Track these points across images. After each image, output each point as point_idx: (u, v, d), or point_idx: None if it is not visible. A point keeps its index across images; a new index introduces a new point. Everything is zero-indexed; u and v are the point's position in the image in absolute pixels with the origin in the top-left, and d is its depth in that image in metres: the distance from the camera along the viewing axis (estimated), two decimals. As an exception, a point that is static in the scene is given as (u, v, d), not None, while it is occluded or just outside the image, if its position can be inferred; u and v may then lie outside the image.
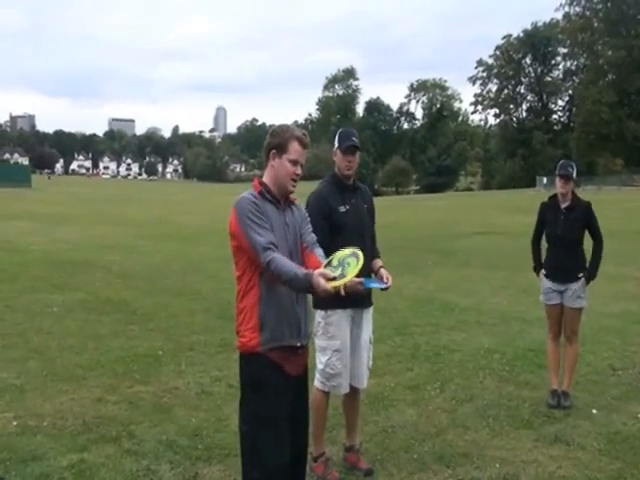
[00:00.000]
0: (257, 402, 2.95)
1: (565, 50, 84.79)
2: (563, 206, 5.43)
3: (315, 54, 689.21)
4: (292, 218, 3.08)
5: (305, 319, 3.05)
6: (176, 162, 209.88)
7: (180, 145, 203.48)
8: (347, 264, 2.91)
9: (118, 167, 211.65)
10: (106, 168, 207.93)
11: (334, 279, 2.79)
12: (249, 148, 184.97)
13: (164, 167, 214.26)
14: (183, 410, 5.20)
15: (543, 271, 5.56)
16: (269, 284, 2.91)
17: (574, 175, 5.38)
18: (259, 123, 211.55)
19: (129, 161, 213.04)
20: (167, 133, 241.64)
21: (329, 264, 2.96)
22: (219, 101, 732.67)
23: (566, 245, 5.39)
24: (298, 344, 3.00)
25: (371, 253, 4.11)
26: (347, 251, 3.04)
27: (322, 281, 2.74)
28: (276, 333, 2.92)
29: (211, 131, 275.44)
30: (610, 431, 4.82)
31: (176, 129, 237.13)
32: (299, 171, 3.05)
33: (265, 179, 3.08)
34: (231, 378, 5.96)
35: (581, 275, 5.38)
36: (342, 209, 4.10)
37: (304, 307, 3.07)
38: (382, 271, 4.03)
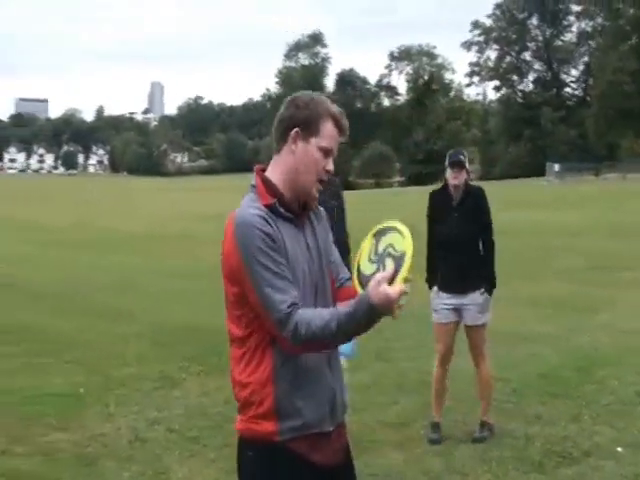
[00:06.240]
0: None
1: (579, 8, 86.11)
2: (456, 201, 5.61)
3: (274, 14, 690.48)
4: (313, 235, 2.63)
5: (340, 389, 2.65)
6: (101, 152, 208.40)
7: (106, 130, 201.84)
8: (390, 248, 2.40)
9: (28, 159, 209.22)
10: (12, 161, 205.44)
11: (393, 278, 2.31)
12: (192, 133, 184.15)
13: (86, 158, 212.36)
14: (112, 462, 5.16)
15: (435, 288, 5.70)
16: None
17: (467, 164, 5.64)
18: (205, 101, 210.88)
19: (42, 151, 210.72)
20: (89, 116, 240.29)
21: (369, 260, 2.46)
22: (154, 75, 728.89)
23: (463, 247, 5.58)
24: (330, 429, 2.58)
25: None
26: (371, 236, 2.52)
27: (382, 289, 2.27)
28: (301, 421, 2.50)
29: (145, 112, 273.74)
30: (638, 472, 4.90)
31: (100, 110, 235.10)
32: (331, 166, 2.57)
33: (274, 173, 2.57)
34: (172, 420, 5.95)
35: (483, 290, 5.57)
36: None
37: (338, 371, 2.66)
38: None
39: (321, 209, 2.75)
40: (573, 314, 10.12)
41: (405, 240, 2.37)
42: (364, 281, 2.42)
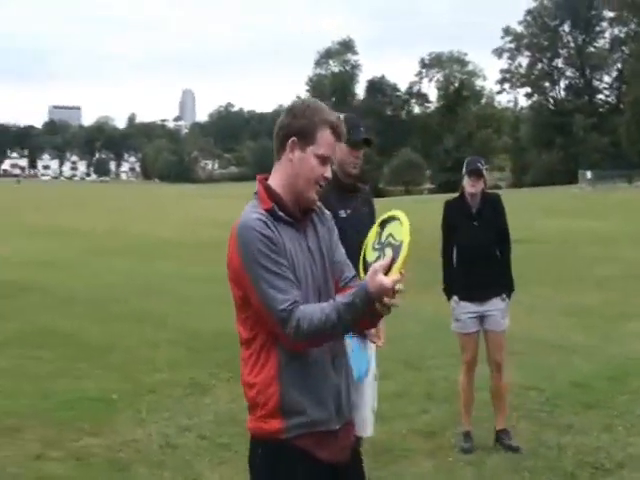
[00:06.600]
0: None
1: (612, 14, 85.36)
2: (474, 210, 5.60)
3: (305, 21, 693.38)
4: (315, 238, 2.71)
5: (346, 388, 2.72)
6: (133, 159, 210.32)
7: (138, 138, 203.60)
8: (391, 237, 2.52)
9: (61, 166, 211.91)
10: (46, 167, 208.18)
11: (390, 267, 2.41)
12: (223, 140, 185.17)
13: (118, 165, 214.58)
14: (144, 468, 5.21)
15: (455, 297, 5.67)
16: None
17: (485, 172, 5.63)
18: (235, 109, 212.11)
19: (75, 158, 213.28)
20: (121, 123, 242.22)
21: (373, 248, 2.60)
22: (186, 82, 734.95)
23: (484, 256, 5.59)
24: (337, 427, 2.65)
25: None
26: (377, 225, 2.64)
27: (377, 278, 2.37)
28: (306, 419, 2.57)
29: (176, 120, 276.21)
30: (674, 485, 4.84)
31: (132, 118, 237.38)
32: (328, 173, 2.65)
33: (275, 181, 2.66)
34: (202, 427, 5.98)
35: (505, 295, 5.61)
36: (343, 214, 4.12)
37: (343, 371, 2.72)
38: None
39: (327, 212, 2.83)
40: (607, 323, 10.01)
41: (403, 228, 2.48)
42: (367, 268, 2.54)
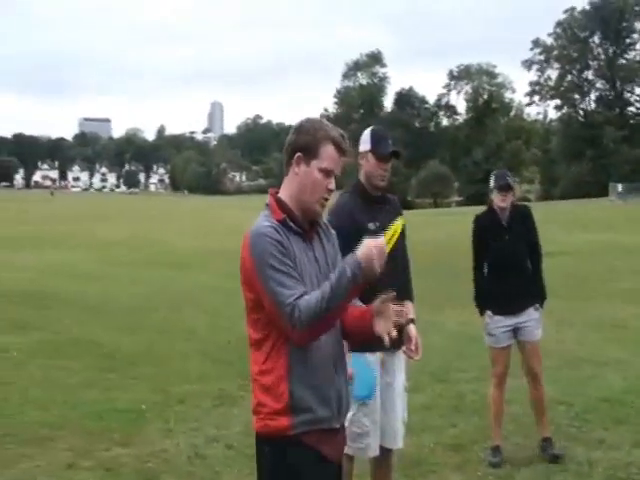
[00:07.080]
0: None
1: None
2: (505, 223, 5.59)
3: (333, 34, 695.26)
4: (322, 250, 2.93)
5: (345, 392, 2.91)
6: (162, 170, 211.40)
7: (167, 149, 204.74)
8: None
9: (91, 178, 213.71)
10: (76, 179, 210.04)
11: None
12: (251, 152, 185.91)
13: (147, 177, 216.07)
14: (172, 478, 5.24)
15: (489, 312, 5.64)
16: (301, 350, 2.73)
17: (513, 184, 5.64)
18: (263, 121, 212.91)
19: (104, 170, 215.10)
20: (150, 135, 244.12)
21: None
22: (214, 95, 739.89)
23: (516, 269, 5.60)
24: (338, 425, 2.87)
25: (403, 286, 4.11)
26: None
27: (366, 242, 2.62)
28: (312, 416, 2.75)
29: (205, 132, 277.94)
30: None
31: (162, 130, 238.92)
32: (332, 186, 2.86)
33: (284, 193, 2.88)
34: (230, 438, 6.00)
35: (538, 305, 5.63)
36: (372, 227, 4.10)
37: (343, 375, 2.91)
38: (411, 330, 3.90)
39: (332, 232, 3.04)
40: (638, 336, 9.91)
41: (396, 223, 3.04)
42: None
